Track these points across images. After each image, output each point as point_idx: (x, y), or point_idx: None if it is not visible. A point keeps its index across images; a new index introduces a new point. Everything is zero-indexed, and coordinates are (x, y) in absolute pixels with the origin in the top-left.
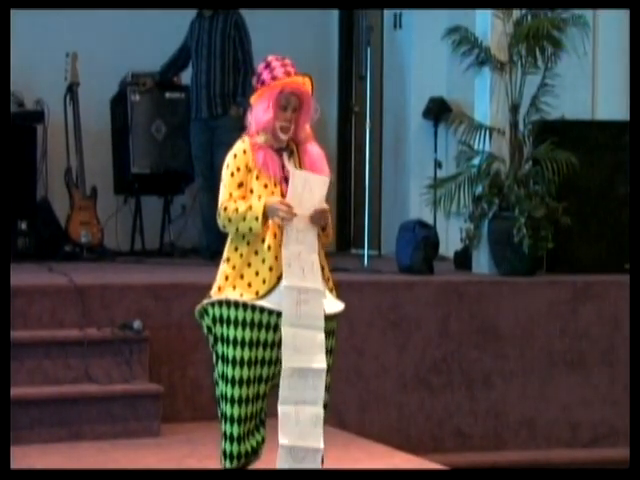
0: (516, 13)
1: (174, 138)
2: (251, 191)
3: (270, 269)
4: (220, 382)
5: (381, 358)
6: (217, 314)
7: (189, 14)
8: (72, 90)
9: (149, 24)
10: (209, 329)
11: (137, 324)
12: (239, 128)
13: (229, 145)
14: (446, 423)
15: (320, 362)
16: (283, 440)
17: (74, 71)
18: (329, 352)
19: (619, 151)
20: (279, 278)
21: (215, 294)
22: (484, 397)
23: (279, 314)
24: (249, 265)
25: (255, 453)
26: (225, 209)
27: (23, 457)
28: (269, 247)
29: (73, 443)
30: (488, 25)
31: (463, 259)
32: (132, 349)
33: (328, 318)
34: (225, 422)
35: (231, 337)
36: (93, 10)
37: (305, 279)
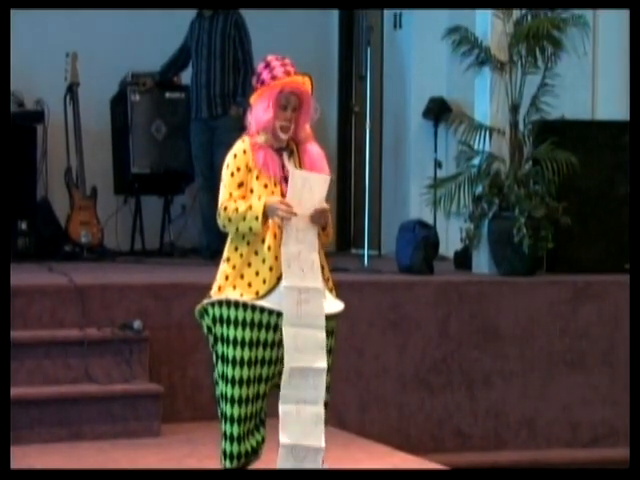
0: (516, 13)
1: (174, 138)
2: (251, 191)
3: (270, 269)
4: (220, 382)
5: (381, 358)
6: (217, 314)
7: (189, 14)
8: (72, 90)
9: (149, 24)
10: (209, 329)
11: (137, 324)
12: (239, 128)
13: (229, 145)
14: (446, 423)
15: (321, 361)
16: (284, 439)
17: (74, 71)
18: (329, 352)
19: (619, 151)
20: (279, 278)
21: (215, 294)
22: (484, 397)
23: (279, 314)
24: (249, 265)
25: (255, 453)
26: (225, 209)
27: (23, 457)
28: (269, 247)
29: (73, 443)
30: (488, 25)
31: (463, 259)
32: (132, 349)
33: (328, 318)
34: (225, 422)
35: (231, 337)
36: (93, 10)
37: (305, 278)
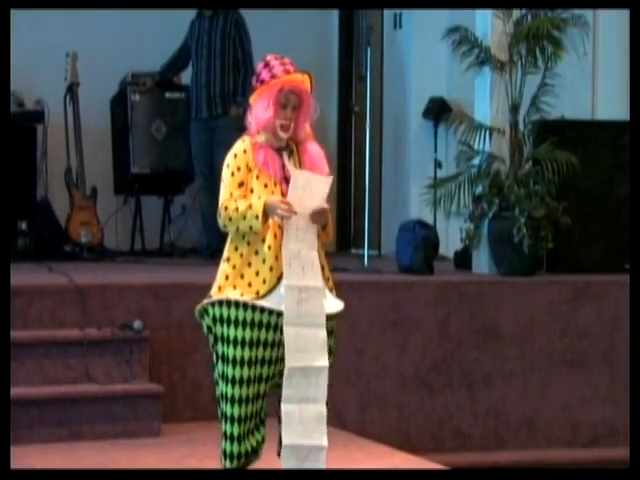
0: (516, 13)
1: (174, 138)
2: (251, 191)
3: (270, 269)
4: (220, 382)
5: (381, 358)
6: (217, 314)
7: (189, 14)
8: (72, 90)
9: (149, 24)
10: (209, 329)
11: (137, 324)
12: (239, 128)
13: (229, 145)
14: (446, 423)
15: (322, 360)
16: (286, 440)
17: (74, 71)
18: (329, 352)
19: (619, 151)
20: (279, 278)
21: (215, 294)
22: (484, 397)
23: (279, 314)
24: (249, 265)
25: (255, 453)
26: (226, 208)
27: (23, 457)
28: (269, 247)
29: (73, 443)
30: (488, 25)
31: (463, 259)
32: (132, 349)
33: (328, 318)
34: (225, 422)
35: (231, 337)
36: (93, 10)
37: (305, 277)
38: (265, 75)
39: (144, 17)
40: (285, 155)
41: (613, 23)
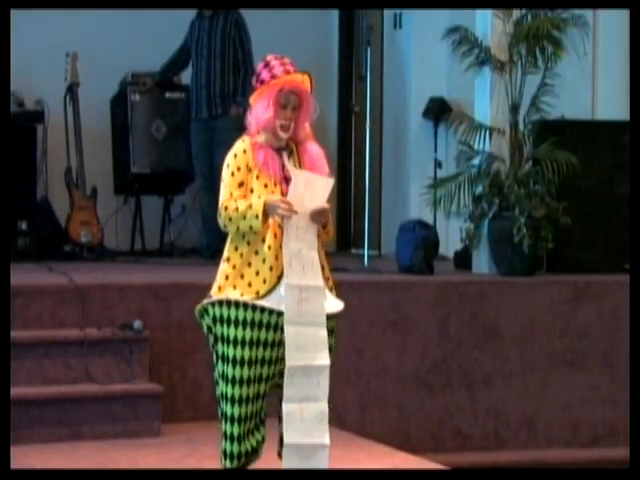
0: (516, 13)
1: (174, 138)
2: (251, 191)
3: (270, 269)
4: (220, 382)
5: (381, 358)
6: (217, 314)
7: (189, 14)
8: (72, 90)
9: (149, 24)
10: (209, 329)
11: (137, 324)
12: (239, 128)
13: (229, 145)
14: (446, 423)
15: (323, 359)
16: (288, 439)
17: (74, 71)
18: (329, 352)
19: (619, 151)
20: (279, 278)
21: (215, 294)
22: (484, 397)
23: (279, 314)
24: (249, 265)
25: (255, 452)
26: (226, 208)
27: (23, 457)
28: (269, 247)
29: (73, 443)
30: (488, 25)
31: (463, 259)
32: (132, 349)
33: (328, 317)
34: (225, 422)
35: (231, 337)
36: (93, 10)
37: (305, 276)
38: (265, 75)
39: (144, 17)
40: (285, 155)
41: (613, 23)
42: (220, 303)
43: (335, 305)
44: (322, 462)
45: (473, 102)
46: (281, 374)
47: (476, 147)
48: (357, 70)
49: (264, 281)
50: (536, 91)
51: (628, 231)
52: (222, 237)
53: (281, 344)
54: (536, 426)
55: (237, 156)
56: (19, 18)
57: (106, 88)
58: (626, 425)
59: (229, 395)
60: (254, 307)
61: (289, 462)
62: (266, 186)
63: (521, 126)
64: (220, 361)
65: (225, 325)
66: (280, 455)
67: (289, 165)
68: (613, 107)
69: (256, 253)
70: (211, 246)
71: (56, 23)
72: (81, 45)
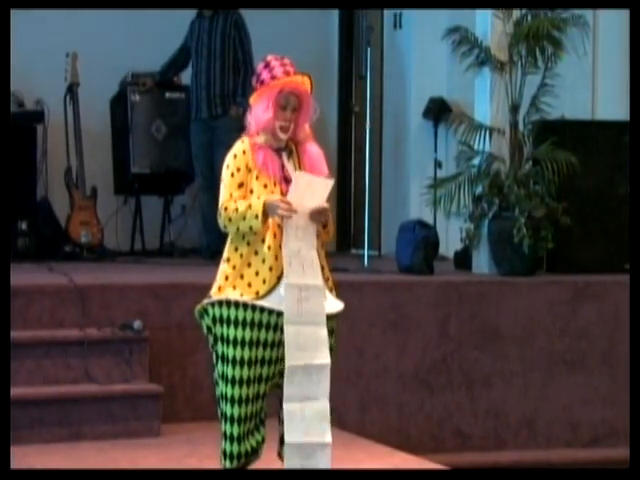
0: (516, 13)
1: (174, 138)
2: (251, 191)
3: (270, 269)
4: (220, 382)
5: (381, 358)
6: (217, 314)
7: (189, 14)
8: (72, 90)
9: (149, 24)
10: (209, 329)
11: (137, 324)
12: (239, 128)
13: (229, 145)
14: (446, 423)
15: (323, 357)
16: (289, 439)
17: (74, 71)
18: (329, 352)
19: (619, 151)
20: (279, 278)
21: (215, 294)
22: (484, 397)
23: (279, 314)
24: (249, 265)
25: (255, 453)
26: (225, 209)
27: (23, 457)
28: (269, 247)
29: (73, 443)
30: (488, 25)
31: (463, 259)
32: (132, 349)
33: (328, 318)
34: (225, 422)
35: (231, 337)
36: (93, 10)
37: (305, 276)
38: (265, 76)
39: (144, 17)
40: (284, 156)
41: (613, 23)
42: (220, 303)
43: (335, 305)
44: (324, 461)
45: (473, 102)
46: (281, 374)
47: (476, 147)
48: (357, 70)
49: (264, 281)
50: (536, 91)
51: (628, 231)
52: (222, 237)
53: (281, 344)
54: (536, 426)
55: (237, 157)
56: (19, 18)
57: (106, 88)
58: (626, 425)
59: (229, 395)
60: (254, 307)
61: (291, 461)
62: (266, 186)
63: (521, 126)
64: (220, 361)
65: (225, 325)
66: (280, 455)
67: (288, 165)
68: (613, 107)
69: (256, 253)
70: (211, 246)
71: (56, 23)
72: (81, 45)
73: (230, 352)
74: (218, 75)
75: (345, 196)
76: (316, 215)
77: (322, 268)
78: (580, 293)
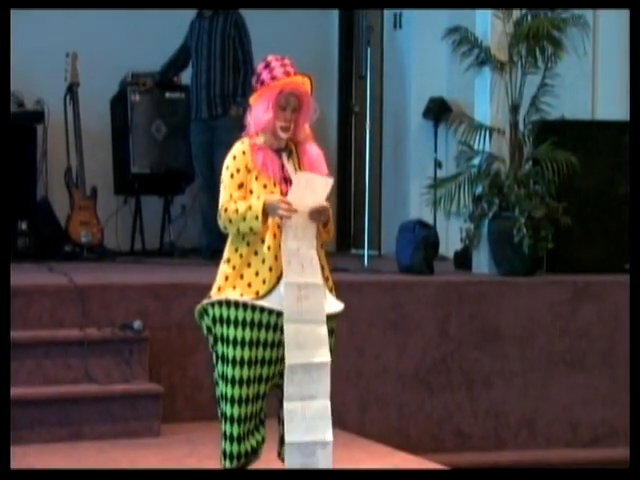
0: (516, 13)
1: (174, 138)
2: (250, 192)
3: (270, 269)
4: (220, 382)
5: (381, 358)
6: (217, 314)
7: (189, 14)
8: (72, 90)
9: (149, 24)
10: (209, 329)
11: (137, 324)
12: (239, 128)
13: (229, 145)
14: (446, 423)
15: (323, 355)
16: (290, 438)
17: (74, 71)
18: (329, 351)
19: (619, 151)
20: (279, 278)
21: (215, 294)
22: (484, 397)
23: (279, 314)
24: (249, 265)
25: (255, 453)
26: (225, 210)
27: (23, 457)
28: (269, 247)
29: (73, 443)
30: (488, 25)
31: (463, 259)
32: (132, 349)
33: (328, 318)
34: (225, 422)
35: (231, 337)
36: (93, 10)
37: (304, 274)
38: (265, 76)
39: (144, 17)
40: (284, 156)
41: (613, 23)
42: (220, 303)
43: (335, 305)
44: (325, 460)
45: (473, 102)
46: (281, 374)
47: (476, 147)
48: (357, 70)
49: (263, 281)
50: (536, 91)
51: (628, 231)
52: (222, 237)
53: (281, 344)
54: (536, 426)
55: (236, 158)
56: (19, 18)
57: (106, 88)
58: (626, 425)
59: (229, 395)
60: (254, 307)
61: (291, 461)
62: (265, 187)
63: (521, 126)
64: (220, 361)
65: (225, 325)
66: (280, 455)
67: (288, 165)
68: (613, 107)
69: (255, 253)
70: (211, 246)
71: (56, 23)
72: (81, 45)
73: (230, 352)
74: (218, 75)
75: (345, 196)
76: (316, 214)
77: (322, 268)
78: (580, 293)
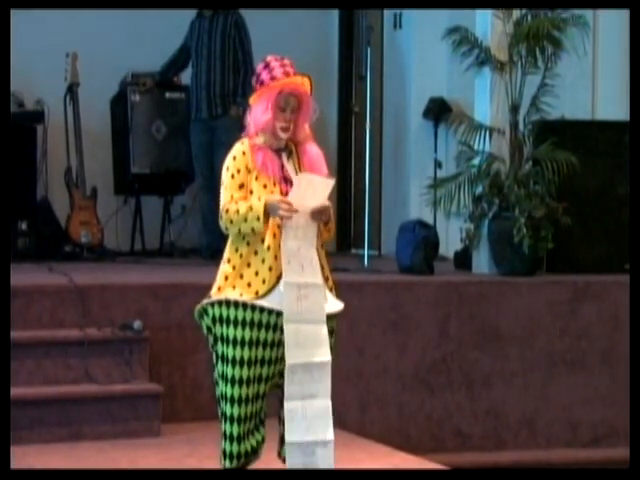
0: (516, 13)
1: (174, 138)
2: (251, 192)
3: (270, 269)
4: (220, 382)
5: (381, 358)
6: (217, 314)
7: (189, 14)
8: (72, 90)
9: (149, 24)
10: (209, 329)
11: (137, 324)
12: (239, 128)
13: (229, 145)
14: (446, 423)
15: (324, 355)
16: (291, 437)
17: (74, 71)
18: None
19: (619, 151)
20: (279, 278)
21: (215, 294)
22: (484, 397)
23: (279, 313)
24: (249, 265)
25: (255, 453)
26: (227, 211)
27: (23, 457)
28: (268, 247)
29: (73, 443)
30: (488, 25)
31: (463, 259)
32: (132, 349)
33: (328, 317)
34: (225, 422)
35: (231, 337)
36: (93, 10)
37: (304, 274)
38: (265, 77)
39: (144, 17)
40: (284, 156)
41: (613, 23)
42: (219, 303)
43: (335, 305)
44: (326, 459)
45: (473, 102)
46: (281, 374)
47: (476, 147)
48: (357, 70)
49: (263, 281)
50: (536, 91)
51: (628, 231)
52: (222, 237)
53: (281, 344)
54: (536, 426)
55: (236, 158)
56: (19, 18)
57: (106, 88)
58: (626, 425)
59: (229, 395)
60: (253, 307)
61: (293, 460)
62: (265, 187)
63: (521, 126)
64: (220, 361)
65: (224, 325)
66: (280, 455)
67: (288, 165)
68: (613, 107)
69: (255, 253)
70: (211, 246)
71: (56, 23)
72: (81, 45)
73: (230, 352)
74: (218, 75)
75: (345, 196)
76: (317, 213)
77: (322, 267)
78: (580, 293)
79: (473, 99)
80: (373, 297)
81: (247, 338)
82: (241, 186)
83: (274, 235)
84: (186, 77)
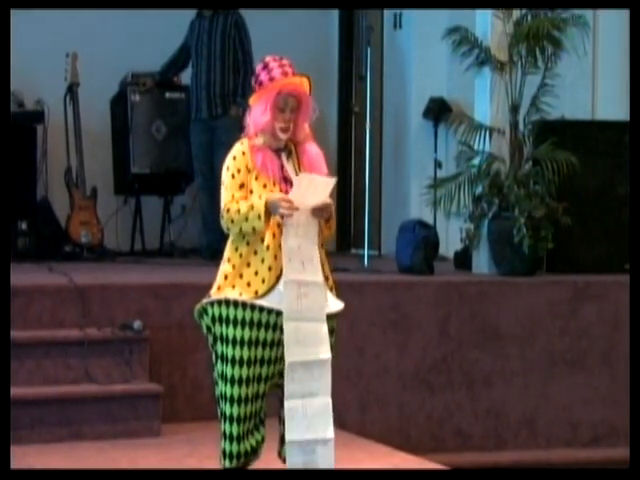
0: (516, 13)
1: (174, 138)
2: (251, 192)
3: (269, 269)
4: (220, 381)
5: (381, 358)
6: (216, 313)
7: (189, 14)
8: (72, 90)
9: (149, 24)
10: (208, 329)
11: (137, 324)
12: (239, 128)
13: (229, 145)
14: (446, 423)
15: (324, 353)
16: (291, 436)
17: (74, 71)
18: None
19: (619, 151)
20: (278, 277)
21: (214, 294)
22: (484, 397)
23: (278, 313)
24: (248, 265)
25: (255, 452)
26: (228, 211)
27: (23, 457)
28: (268, 247)
29: (73, 443)
30: (488, 25)
31: (463, 259)
32: (132, 349)
33: (328, 317)
34: (225, 421)
35: (230, 336)
36: (93, 10)
37: (305, 272)
38: (263, 77)
39: (144, 17)
40: (284, 156)
41: (613, 23)
42: (219, 303)
43: (335, 305)
44: (327, 457)
45: (473, 102)
46: (281, 374)
47: (476, 147)
48: (357, 70)
49: (263, 281)
50: (536, 91)
51: (628, 231)
52: (222, 237)
53: (280, 344)
54: (536, 426)
55: (236, 158)
56: (19, 18)
57: (106, 88)
58: (626, 425)
59: (228, 395)
60: (253, 306)
61: (293, 459)
62: (265, 186)
63: (521, 126)
64: (219, 361)
65: (224, 325)
66: (280, 455)
67: (288, 165)
68: (613, 107)
69: (255, 253)
70: (211, 246)
71: (56, 23)
72: (81, 45)
73: (229, 351)
74: (218, 75)
75: (345, 196)
76: (319, 210)
77: (322, 266)
78: (580, 293)
79: (473, 99)
80: (373, 297)
81: (247, 338)
82: (241, 186)
83: (274, 235)
84: (186, 77)
